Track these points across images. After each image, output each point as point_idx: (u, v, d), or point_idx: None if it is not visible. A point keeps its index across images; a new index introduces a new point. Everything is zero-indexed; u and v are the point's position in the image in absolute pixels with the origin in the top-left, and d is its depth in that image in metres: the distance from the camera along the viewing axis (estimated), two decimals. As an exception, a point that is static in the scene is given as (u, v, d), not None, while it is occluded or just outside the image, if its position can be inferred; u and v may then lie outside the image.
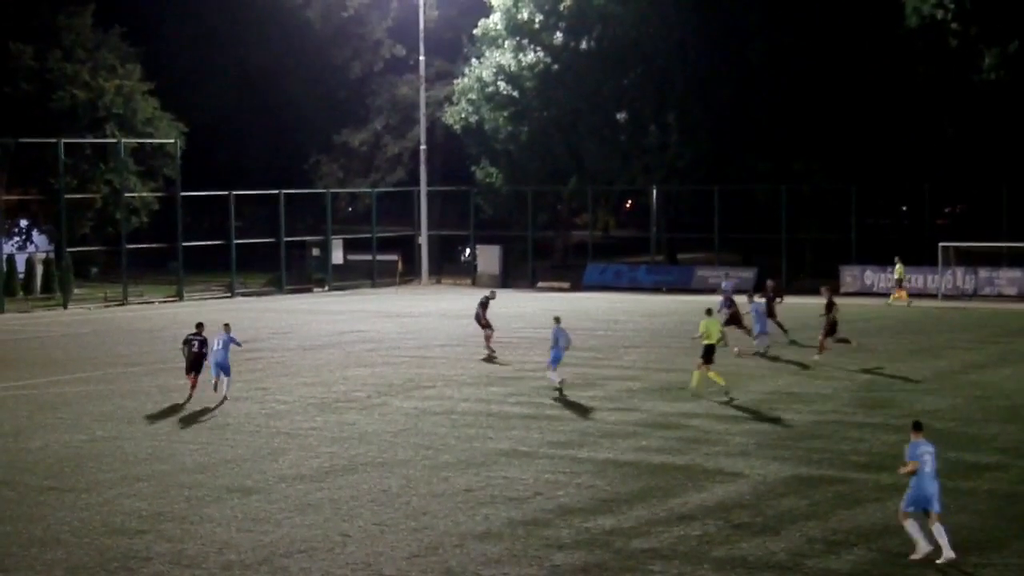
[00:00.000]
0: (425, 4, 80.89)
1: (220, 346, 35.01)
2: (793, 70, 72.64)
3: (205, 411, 33.42)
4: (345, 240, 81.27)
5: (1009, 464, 26.31)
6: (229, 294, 71.78)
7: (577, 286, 74.12)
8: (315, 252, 79.84)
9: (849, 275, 67.55)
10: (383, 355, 43.82)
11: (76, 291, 70.39)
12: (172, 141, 76.07)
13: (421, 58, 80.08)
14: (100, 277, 79.33)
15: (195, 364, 35.14)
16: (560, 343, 35.95)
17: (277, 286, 74.93)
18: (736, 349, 41.72)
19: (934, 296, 63.90)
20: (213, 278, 76.38)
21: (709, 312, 37.36)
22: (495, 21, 79.92)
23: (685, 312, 58.45)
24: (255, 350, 45.25)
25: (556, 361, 35.98)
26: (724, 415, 31.85)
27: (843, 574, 19.27)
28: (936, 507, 19.88)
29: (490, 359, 42.52)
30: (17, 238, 77.70)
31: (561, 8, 77.69)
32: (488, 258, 78.77)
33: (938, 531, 19.81)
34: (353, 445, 28.78)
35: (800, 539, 20.86)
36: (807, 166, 72.48)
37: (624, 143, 79.70)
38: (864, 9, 71.19)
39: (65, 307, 65.81)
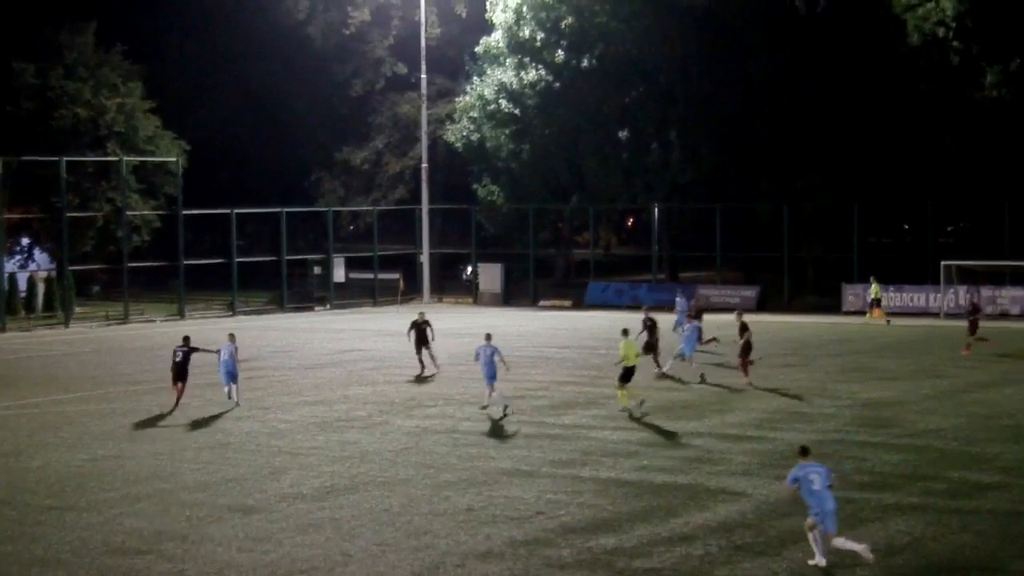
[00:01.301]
0: (427, 22, 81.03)
1: (227, 356, 36.87)
2: (795, 88, 72.66)
3: (206, 429, 33.39)
4: (347, 258, 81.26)
5: (1012, 484, 26.21)
6: (230, 312, 71.74)
7: (579, 304, 74.07)
8: (316, 270, 79.82)
9: (851, 293, 67.45)
10: (384, 374, 43.78)
11: (77, 309, 70.42)
12: (174, 159, 76.08)
13: (423, 76, 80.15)
14: (101, 295, 79.34)
15: (179, 375, 36.75)
16: (481, 359, 35.49)
17: (278, 304, 74.91)
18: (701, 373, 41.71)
19: (936, 315, 63.81)
20: (214, 296, 76.36)
21: (625, 333, 36.91)
22: (496, 39, 79.99)
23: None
24: (256, 368, 45.22)
25: (490, 380, 35.48)
26: (727, 434, 31.78)
27: (846, 594, 19.22)
28: (832, 528, 20.23)
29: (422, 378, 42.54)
30: (19, 256, 77.67)
31: (563, 26, 77.75)
32: (490, 276, 78.75)
33: (842, 543, 20.20)
34: (354, 464, 28.72)
35: (803, 559, 20.75)
36: (809, 184, 72.48)
37: (626, 161, 79.74)
38: (866, 27, 71.24)
39: (66, 325, 65.80)
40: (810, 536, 20.60)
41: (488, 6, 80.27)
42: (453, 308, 75.77)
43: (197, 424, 34.31)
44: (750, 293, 71.16)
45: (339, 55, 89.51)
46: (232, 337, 38.06)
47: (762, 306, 69.46)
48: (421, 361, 43.85)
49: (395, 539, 22.30)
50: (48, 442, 31.96)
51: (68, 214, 68.84)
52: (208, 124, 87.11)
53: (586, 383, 41.08)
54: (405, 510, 24.33)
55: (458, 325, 62.10)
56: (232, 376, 36.97)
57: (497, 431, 32.55)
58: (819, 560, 20.42)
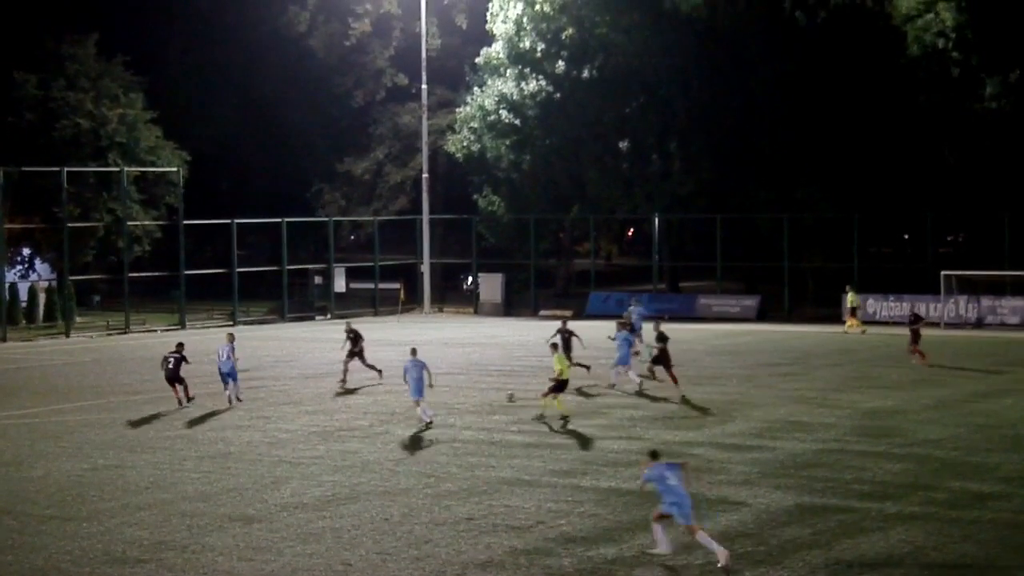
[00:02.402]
0: (427, 33, 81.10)
1: (225, 356, 38.64)
2: (795, 99, 72.72)
3: (207, 439, 33.39)
4: (347, 268, 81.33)
5: (1013, 493, 26.20)
6: (231, 322, 71.70)
7: (580, 314, 74.00)
8: (317, 280, 79.87)
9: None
10: (385, 384, 43.76)
11: (78, 319, 70.47)
12: (175, 170, 76.14)
13: (423, 87, 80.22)
14: (102, 305, 79.40)
15: (172, 379, 38.66)
16: (409, 376, 35.15)
17: (279, 314, 74.94)
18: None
19: (937, 325, 63.80)
20: (215, 306, 76.37)
21: (555, 348, 37.61)
22: (497, 50, 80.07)
23: (690, 340, 58.41)
24: (257, 378, 45.25)
25: (418, 393, 35.14)
26: (727, 444, 31.77)
27: (847, 604, 19.21)
28: (690, 520, 20.99)
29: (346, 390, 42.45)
30: (20, 266, 77.69)
31: (563, 37, 77.82)
32: (490, 286, 78.78)
33: (703, 539, 20.89)
34: (355, 474, 28.73)
35: (803, 568, 20.78)
36: (809, 195, 72.53)
37: (626, 171, 79.80)
38: (866, 38, 71.29)
39: (67, 335, 65.82)
40: (656, 526, 21.34)
41: (488, 17, 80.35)
42: (454, 318, 75.79)
43: (198, 434, 34.32)
44: (750, 303, 71.21)
45: (340, 66, 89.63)
46: (231, 337, 40.09)
47: (762, 316, 69.54)
48: (346, 370, 43.68)
49: (396, 548, 22.30)
50: (49, 452, 31.97)
51: (69, 224, 68.89)
52: (209, 135, 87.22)
53: (586, 392, 41.05)
54: (406, 519, 24.34)
55: (459, 335, 62.19)
56: (231, 376, 38.73)
57: (497, 440, 32.53)
58: (664, 549, 21.23)
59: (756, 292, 73.61)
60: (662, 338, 41.43)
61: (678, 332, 62.79)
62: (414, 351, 36.31)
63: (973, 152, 70.47)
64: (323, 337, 62.82)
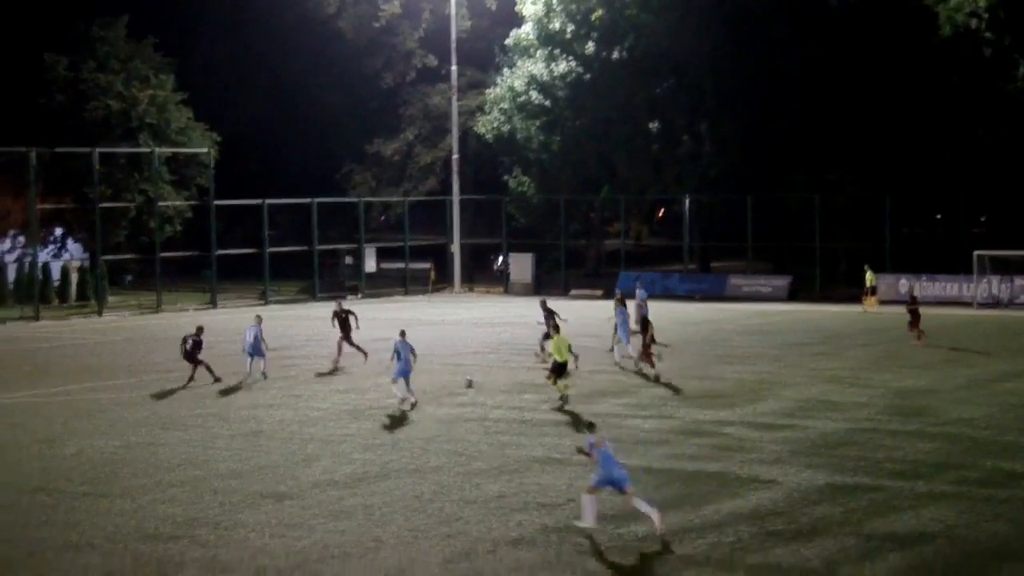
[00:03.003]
0: (457, 14, 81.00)
1: (252, 338, 39.64)
2: (826, 80, 72.37)
3: (238, 418, 33.52)
4: (378, 248, 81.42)
5: (1045, 472, 26.13)
6: (263, 302, 71.92)
7: (610, 294, 73.93)
8: (348, 260, 79.98)
9: (883, 284, 67.11)
10: (416, 362, 43.77)
11: (111, 299, 70.75)
12: (205, 150, 76.34)
13: (453, 68, 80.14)
14: (134, 285, 79.71)
15: (189, 359, 39.51)
16: (403, 356, 35.07)
17: (310, 294, 75.09)
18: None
19: (969, 304, 63.59)
20: (246, 286, 76.57)
21: (557, 329, 37.46)
22: (527, 31, 79.94)
23: (719, 320, 58.46)
24: (288, 357, 45.39)
25: (403, 375, 34.96)
26: (758, 423, 31.72)
27: (878, 581, 19.18)
28: (627, 486, 21.63)
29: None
30: (52, 246, 78.10)
31: (592, 18, 77.62)
32: (520, 266, 78.78)
33: (639, 503, 21.54)
34: (386, 452, 28.80)
35: (834, 547, 20.76)
36: (840, 176, 72.24)
37: (656, 153, 79.59)
38: (897, 19, 70.87)
39: (100, 315, 66.10)
40: (586, 499, 21.74)
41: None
42: (484, 297, 75.83)
43: (230, 412, 34.46)
44: (781, 283, 71.05)
45: (370, 48, 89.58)
46: (259, 319, 40.93)
47: (793, 296, 69.35)
48: (339, 350, 43.31)
49: (426, 526, 22.36)
50: (82, 429, 32.15)
51: (101, 205, 69.19)
52: (239, 116, 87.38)
53: (618, 372, 41.07)
54: (436, 497, 24.39)
55: (489, 314, 62.27)
56: (256, 354, 39.96)
57: (528, 419, 32.55)
58: (588, 523, 21.64)
59: (787, 272, 73.38)
60: (645, 322, 41.43)
61: (709, 312, 62.99)
62: (403, 332, 36.22)
63: (1006, 132, 70.01)
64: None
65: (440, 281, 79.73)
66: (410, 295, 76.86)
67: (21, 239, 75.93)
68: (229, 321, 58.76)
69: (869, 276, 62.62)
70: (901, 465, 26.73)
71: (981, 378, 39.14)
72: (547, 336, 41.77)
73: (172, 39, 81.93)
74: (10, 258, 74.54)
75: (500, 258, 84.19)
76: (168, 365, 43.37)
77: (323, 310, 67.32)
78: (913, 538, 21.24)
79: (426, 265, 78.88)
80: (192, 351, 39.41)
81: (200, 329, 40.20)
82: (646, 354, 40.29)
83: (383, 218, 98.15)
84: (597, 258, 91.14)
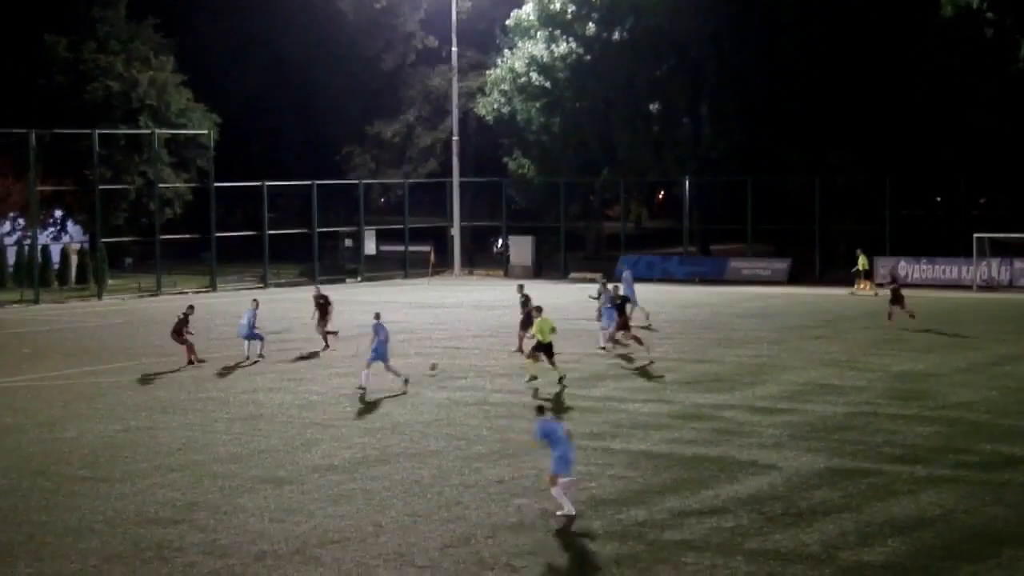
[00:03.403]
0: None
1: (245, 320, 40.73)
2: (827, 61, 72.30)
3: (238, 401, 33.55)
4: (378, 231, 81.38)
5: (1045, 457, 26.15)
6: (262, 284, 71.91)
7: (610, 277, 73.88)
8: (348, 243, 79.94)
9: (883, 267, 67.18)
10: (415, 346, 43.83)
11: (110, 282, 70.75)
12: (205, 132, 76.24)
13: (453, 49, 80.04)
14: (134, 268, 79.66)
15: (175, 334, 40.22)
16: (380, 336, 35.02)
17: (310, 276, 75.00)
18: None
19: (968, 287, 63.58)
20: (246, 268, 76.59)
21: (539, 310, 36.92)
22: (527, 12, 79.79)
23: (719, 304, 58.45)
24: (288, 340, 45.41)
25: (379, 358, 34.87)
26: (757, 407, 31.74)
27: (877, 566, 19.18)
28: (568, 473, 21.98)
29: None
30: (52, 229, 78.02)
31: (594, -1, 77.54)
32: (520, 249, 78.75)
33: (558, 492, 21.78)
34: (385, 436, 28.82)
35: (834, 531, 20.79)
36: (841, 158, 72.16)
37: (657, 134, 79.50)
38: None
39: (99, 297, 66.10)
40: (556, 490, 21.84)
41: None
42: (484, 280, 75.83)
43: (229, 396, 34.47)
44: (781, 266, 71.04)
45: (370, 29, 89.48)
46: (255, 303, 42.46)
47: (793, 279, 69.33)
48: (324, 337, 43.42)
49: (426, 510, 22.39)
50: (82, 413, 32.18)
51: (101, 187, 69.13)
52: (240, 97, 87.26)
53: (617, 355, 41.07)
54: (436, 482, 24.41)
55: (489, 297, 62.23)
56: (251, 337, 41.02)
57: (528, 403, 32.55)
58: (569, 510, 21.71)
59: (787, 255, 73.39)
60: (622, 303, 41.45)
61: (709, 295, 62.99)
62: (377, 315, 36.21)
63: (1007, 114, 69.92)
64: (354, 299, 62.93)
65: (440, 264, 79.72)
66: (410, 278, 76.84)
67: (21, 221, 75.87)
68: (230, 304, 58.81)
69: (861, 260, 62.71)
70: (900, 449, 26.75)
71: (980, 362, 39.15)
72: (524, 322, 41.79)
73: (172, 20, 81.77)
74: (10, 240, 74.50)
75: (500, 241, 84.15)
76: (168, 348, 43.29)
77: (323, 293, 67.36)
78: (912, 522, 21.26)
79: (426, 248, 78.86)
80: (177, 330, 39.98)
81: (191, 308, 41.15)
82: (615, 336, 40.39)
83: (383, 200, 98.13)
84: (597, 241, 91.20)
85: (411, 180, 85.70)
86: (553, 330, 35.89)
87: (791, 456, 26.12)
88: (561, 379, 35.25)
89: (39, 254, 68.97)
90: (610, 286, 45.05)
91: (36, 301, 63.70)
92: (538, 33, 79.40)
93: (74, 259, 72.79)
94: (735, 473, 24.79)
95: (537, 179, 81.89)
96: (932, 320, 49.58)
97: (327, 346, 43.25)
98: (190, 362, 39.62)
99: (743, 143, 76.34)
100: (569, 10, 78.17)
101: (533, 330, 36.33)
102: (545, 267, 77.54)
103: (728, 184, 76.68)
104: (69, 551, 20.34)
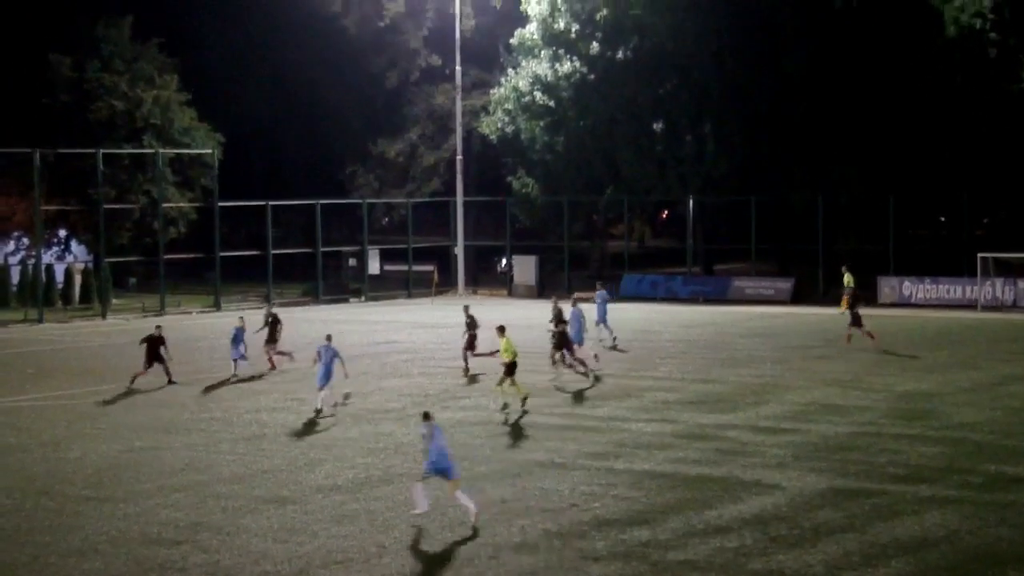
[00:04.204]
0: (461, 14, 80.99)
1: (230, 339, 41.57)
2: (830, 80, 72.34)
3: (241, 421, 33.53)
4: (381, 250, 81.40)
5: (1049, 477, 26.11)
6: (266, 303, 71.81)
7: (613, 296, 73.96)
8: (351, 262, 79.96)
9: (887, 286, 67.22)
10: (419, 366, 43.84)
11: (114, 301, 70.74)
12: (209, 151, 76.41)
13: (457, 68, 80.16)
14: (138, 287, 79.73)
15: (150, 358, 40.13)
16: (323, 359, 34.94)
17: (313, 296, 75.08)
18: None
19: (972, 307, 63.53)
20: (250, 288, 76.62)
21: (502, 330, 36.35)
22: (531, 31, 79.90)
23: (722, 323, 58.43)
24: (294, 360, 45.34)
25: (327, 378, 34.70)
26: (760, 427, 31.72)
27: (881, 587, 19.17)
28: (454, 474, 23.05)
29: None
30: (56, 248, 78.19)
31: (597, 18, 77.63)
32: (524, 268, 78.73)
33: (460, 496, 22.76)
34: (389, 456, 28.82)
35: (837, 552, 20.76)
36: (844, 176, 72.19)
37: (660, 153, 79.51)
38: (902, 19, 70.84)
39: (103, 317, 66.09)
40: (417, 487, 23.13)
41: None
42: (488, 300, 75.81)
43: (232, 416, 34.46)
44: (785, 285, 71.02)
45: (374, 47, 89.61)
46: (241, 320, 42.96)
47: (797, 298, 69.28)
48: (271, 357, 42.97)
49: (430, 530, 22.37)
50: (85, 433, 32.18)
51: (105, 206, 69.17)
52: (244, 116, 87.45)
53: (620, 375, 41.07)
54: (439, 502, 24.38)
55: (493, 317, 62.05)
56: (238, 354, 41.26)
57: (531, 423, 32.56)
58: (421, 508, 22.95)
59: (790, 274, 73.39)
60: (560, 320, 41.45)
61: (712, 315, 62.96)
62: (329, 337, 36.20)
63: (1010, 133, 69.98)
64: (357, 319, 63.01)
65: (444, 283, 79.72)
66: (414, 298, 76.84)
67: (25, 241, 76.04)
68: (233, 323, 58.70)
69: (847, 277, 62.67)
70: (904, 469, 26.73)
71: (984, 382, 39.12)
72: (469, 345, 42.14)
73: (176, 40, 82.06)
74: (14, 260, 74.60)
75: (504, 260, 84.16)
76: (171, 368, 43.33)
77: (327, 313, 67.49)
78: (916, 543, 21.23)
79: (430, 267, 78.85)
80: (151, 349, 39.95)
81: (158, 328, 41.15)
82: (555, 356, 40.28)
83: (387, 220, 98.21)
84: (601, 260, 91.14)
85: (415, 199, 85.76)
86: (515, 352, 35.76)
87: (795, 476, 26.09)
88: (506, 405, 34.69)
89: (43, 273, 68.97)
90: (563, 304, 44.58)
91: (40, 320, 63.72)
92: (542, 52, 79.50)
93: (78, 278, 72.80)
94: (739, 493, 24.76)
95: (541, 198, 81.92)
96: (936, 340, 49.53)
97: (273, 367, 42.78)
98: (155, 377, 39.63)
99: (746, 162, 76.39)
100: (573, 29, 78.30)
101: (500, 349, 35.72)
102: (549, 286, 77.43)
103: (731, 203, 76.72)
104: (73, 571, 20.35)
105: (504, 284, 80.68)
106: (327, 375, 34.75)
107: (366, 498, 24.80)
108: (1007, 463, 27.27)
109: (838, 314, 60.16)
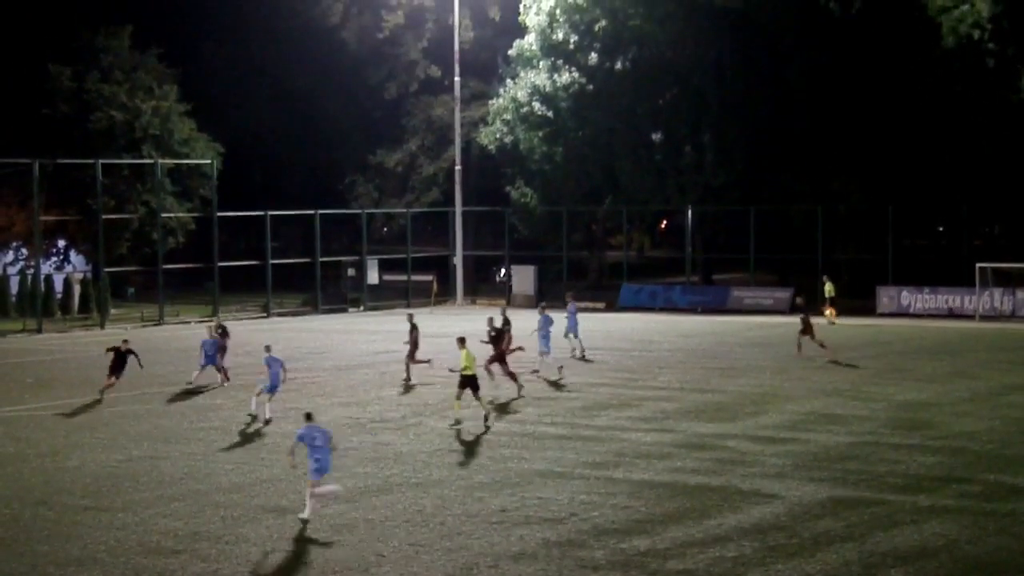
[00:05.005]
0: (460, 25, 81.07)
1: (204, 347, 41.38)
2: (829, 90, 72.43)
3: (240, 431, 33.52)
4: (380, 260, 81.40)
5: (1048, 486, 26.11)
6: (265, 314, 71.97)
7: (612, 306, 74.04)
8: (350, 272, 79.98)
9: (886, 296, 67.27)
10: (418, 376, 43.77)
11: (113, 311, 70.74)
12: (208, 162, 76.43)
13: (456, 78, 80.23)
14: (137, 297, 79.70)
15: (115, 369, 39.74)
16: (271, 370, 34.97)
17: (312, 306, 75.07)
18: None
19: (971, 317, 63.55)
20: (249, 298, 76.59)
21: (462, 342, 35.27)
22: (530, 42, 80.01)
23: (722, 333, 58.44)
24: (290, 370, 45.20)
25: (271, 390, 34.84)
26: (760, 436, 31.71)
27: (880, 597, 19.16)
28: (318, 476, 23.80)
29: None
30: (55, 258, 78.15)
31: (596, 29, 77.74)
32: (523, 278, 78.76)
33: (310, 495, 23.63)
34: (388, 465, 28.80)
35: (836, 561, 20.74)
36: (844, 186, 72.26)
37: (659, 163, 79.62)
38: (901, 29, 70.93)
39: (102, 327, 66.07)
40: (309, 492, 23.70)
41: (521, 9, 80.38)
42: (487, 310, 75.70)
43: (231, 425, 34.44)
44: (784, 295, 70.99)
45: (373, 58, 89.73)
46: (216, 328, 43.04)
47: (796, 308, 69.21)
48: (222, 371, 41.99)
49: (428, 540, 22.35)
50: (84, 442, 32.16)
51: (104, 216, 69.19)
52: (243, 127, 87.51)
53: (619, 385, 41.08)
54: (438, 511, 24.38)
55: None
56: (210, 359, 41.23)
57: (530, 432, 32.54)
58: (307, 514, 23.49)
59: (789, 284, 73.41)
60: (499, 329, 40.99)
61: (711, 324, 62.96)
62: (268, 347, 36.30)
63: (1009, 143, 70.05)
64: (356, 329, 63.04)
65: (443, 293, 79.72)
66: (413, 307, 76.75)
67: (24, 251, 76.01)
68: (232, 334, 58.64)
69: (828, 287, 62.74)
70: (903, 479, 26.71)
71: (983, 391, 39.12)
72: (410, 354, 42.19)
73: (176, 50, 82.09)
74: (13, 270, 74.58)
75: (503, 270, 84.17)
76: (170, 378, 43.41)
77: (326, 323, 67.49)
78: (915, 553, 21.21)
79: (428, 277, 78.85)
80: (117, 360, 39.68)
81: (126, 341, 40.74)
82: (488, 367, 39.79)
83: (386, 230, 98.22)
84: (599, 270, 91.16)
85: (414, 209, 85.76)
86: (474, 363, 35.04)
87: (794, 486, 26.08)
88: (487, 417, 34.00)
89: (42, 283, 68.96)
90: (494, 314, 44.16)
91: (39, 330, 63.69)
92: (540, 63, 79.60)
93: (77, 288, 72.83)
94: (738, 503, 24.75)
95: (539, 208, 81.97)
96: (935, 350, 49.51)
97: (226, 380, 41.98)
98: (103, 389, 39.33)
99: (746, 172, 76.49)
100: (571, 40, 78.40)
101: (461, 362, 34.56)
102: (548, 296, 77.43)
103: (731, 213, 76.79)
104: (71, 581, 20.33)
105: (503, 294, 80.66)
106: (273, 385, 34.98)
107: (365, 507, 24.78)
108: (1006, 473, 27.26)
109: (827, 324, 60.36)
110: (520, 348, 42.41)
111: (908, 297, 66.55)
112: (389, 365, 46.10)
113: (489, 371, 39.75)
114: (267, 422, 34.47)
